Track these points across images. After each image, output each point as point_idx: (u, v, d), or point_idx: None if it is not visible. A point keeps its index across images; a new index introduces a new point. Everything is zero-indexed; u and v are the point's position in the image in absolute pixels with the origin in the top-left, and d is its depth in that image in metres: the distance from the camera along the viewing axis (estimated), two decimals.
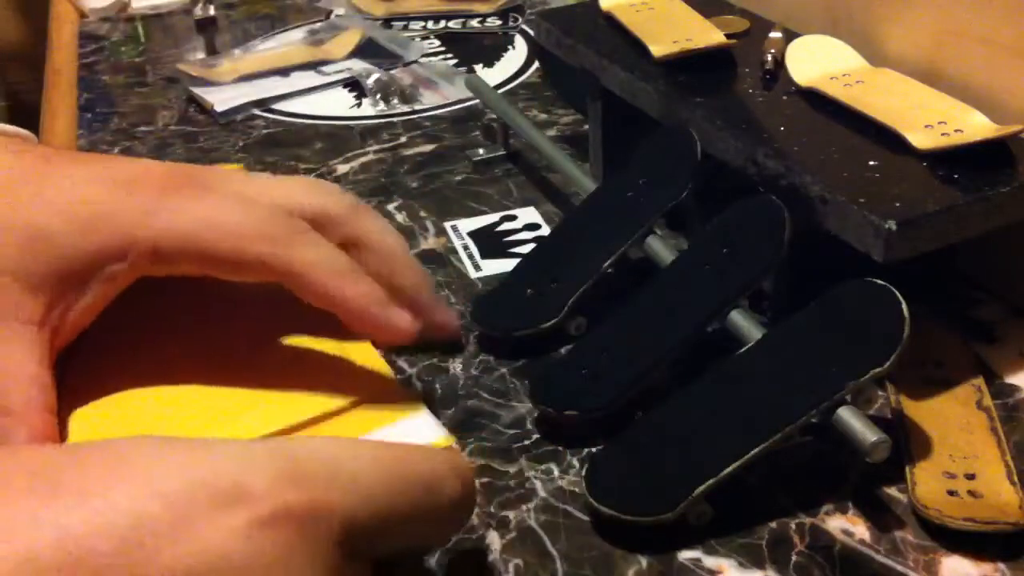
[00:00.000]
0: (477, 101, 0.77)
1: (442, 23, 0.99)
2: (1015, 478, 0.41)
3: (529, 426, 0.47)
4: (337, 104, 0.83)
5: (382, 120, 0.79)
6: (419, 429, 0.38)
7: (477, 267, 0.60)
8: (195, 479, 0.26)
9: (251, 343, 0.41)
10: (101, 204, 0.36)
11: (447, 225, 0.64)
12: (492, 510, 0.43)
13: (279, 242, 0.37)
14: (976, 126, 0.47)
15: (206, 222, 0.36)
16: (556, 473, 0.44)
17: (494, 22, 0.98)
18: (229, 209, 0.37)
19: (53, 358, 0.36)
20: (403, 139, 0.76)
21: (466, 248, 0.61)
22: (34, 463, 0.26)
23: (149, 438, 0.27)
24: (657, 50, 0.58)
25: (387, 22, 0.99)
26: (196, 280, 0.38)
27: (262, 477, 0.26)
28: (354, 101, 0.83)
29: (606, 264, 0.52)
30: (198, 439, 0.28)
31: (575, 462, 0.45)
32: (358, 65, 0.88)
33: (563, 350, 0.51)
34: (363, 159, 0.73)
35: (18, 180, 0.36)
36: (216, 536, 0.25)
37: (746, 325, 0.45)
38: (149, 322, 0.40)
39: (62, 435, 0.35)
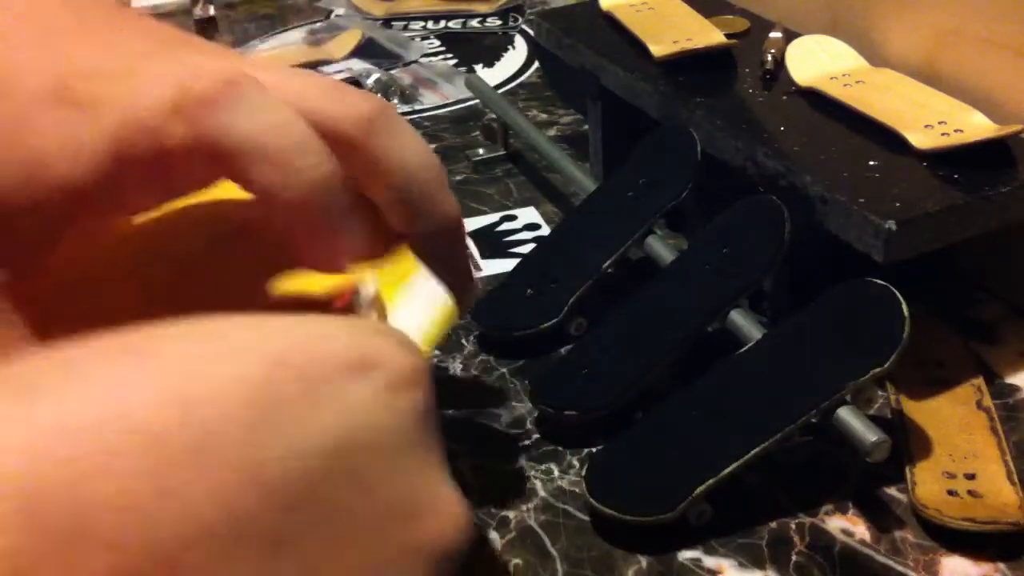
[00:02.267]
0: (477, 101, 0.77)
1: (442, 23, 0.99)
2: (1015, 478, 0.41)
3: (529, 426, 0.47)
4: None
5: None
6: (431, 286, 0.33)
7: (477, 267, 0.60)
8: (319, 349, 0.23)
9: None
10: (35, 146, 0.28)
11: None
12: (492, 510, 0.43)
13: (205, 113, 0.27)
14: (976, 126, 0.47)
15: (123, 125, 0.27)
16: (556, 473, 0.44)
17: (494, 22, 0.98)
18: (149, 87, 0.28)
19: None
20: None
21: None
22: (117, 340, 0.22)
23: (234, 316, 0.24)
24: (657, 50, 0.58)
25: (387, 22, 0.99)
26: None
27: (381, 344, 0.25)
28: None
29: (606, 264, 0.52)
30: (277, 317, 0.24)
31: (575, 462, 0.45)
32: (358, 65, 0.88)
33: (563, 350, 0.51)
34: None
35: None
36: (358, 402, 0.23)
37: (746, 325, 0.45)
38: None
39: None
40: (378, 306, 0.32)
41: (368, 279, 0.32)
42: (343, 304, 0.32)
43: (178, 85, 0.27)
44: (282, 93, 0.29)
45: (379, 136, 0.31)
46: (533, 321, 0.51)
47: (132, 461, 0.20)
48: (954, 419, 0.45)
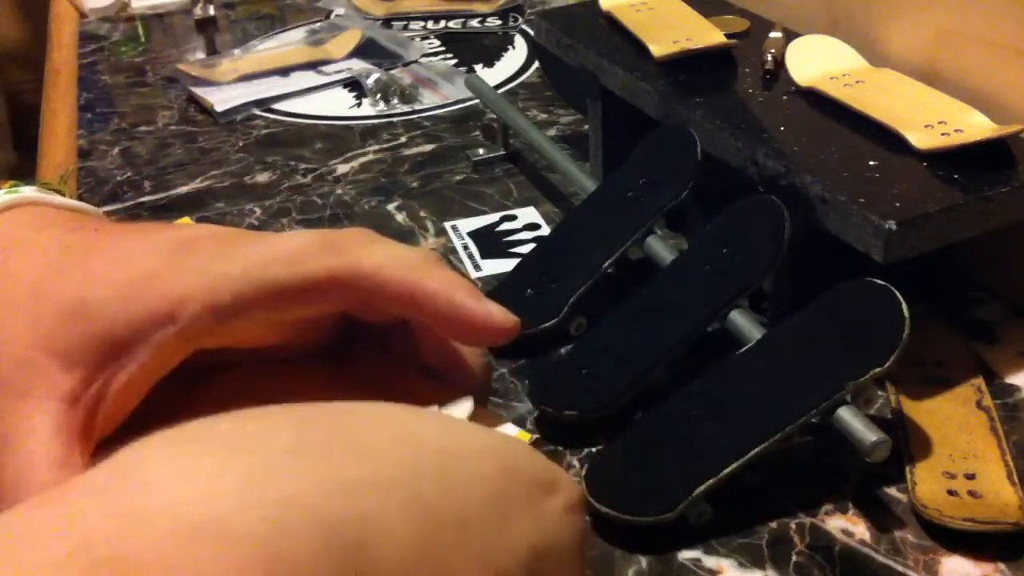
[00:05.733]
0: (477, 101, 0.77)
1: (442, 23, 0.99)
2: (1015, 478, 0.41)
3: (529, 426, 0.47)
4: (337, 104, 0.83)
5: (382, 120, 0.79)
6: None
7: (477, 267, 0.60)
8: (528, 462, 0.28)
9: None
10: (147, 269, 0.33)
11: (447, 225, 0.64)
12: None
13: (341, 250, 0.34)
14: (976, 126, 0.47)
15: (259, 257, 0.33)
16: None
17: (494, 22, 0.98)
18: (283, 239, 0.34)
19: (92, 437, 0.32)
20: (403, 139, 0.76)
21: (466, 248, 0.61)
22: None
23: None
24: (657, 50, 0.58)
25: (387, 22, 0.99)
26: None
27: (559, 469, 0.29)
28: (354, 101, 0.83)
29: (606, 264, 0.52)
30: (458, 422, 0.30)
31: (575, 462, 0.45)
32: (358, 65, 0.88)
33: (563, 350, 0.51)
34: (363, 159, 0.73)
35: (67, 255, 0.34)
36: (545, 517, 0.27)
37: (746, 325, 0.45)
38: None
39: None
40: None
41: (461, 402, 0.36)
42: None
43: (322, 234, 0.34)
44: None
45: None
46: (533, 321, 0.51)
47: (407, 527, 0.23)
48: (954, 419, 0.45)
